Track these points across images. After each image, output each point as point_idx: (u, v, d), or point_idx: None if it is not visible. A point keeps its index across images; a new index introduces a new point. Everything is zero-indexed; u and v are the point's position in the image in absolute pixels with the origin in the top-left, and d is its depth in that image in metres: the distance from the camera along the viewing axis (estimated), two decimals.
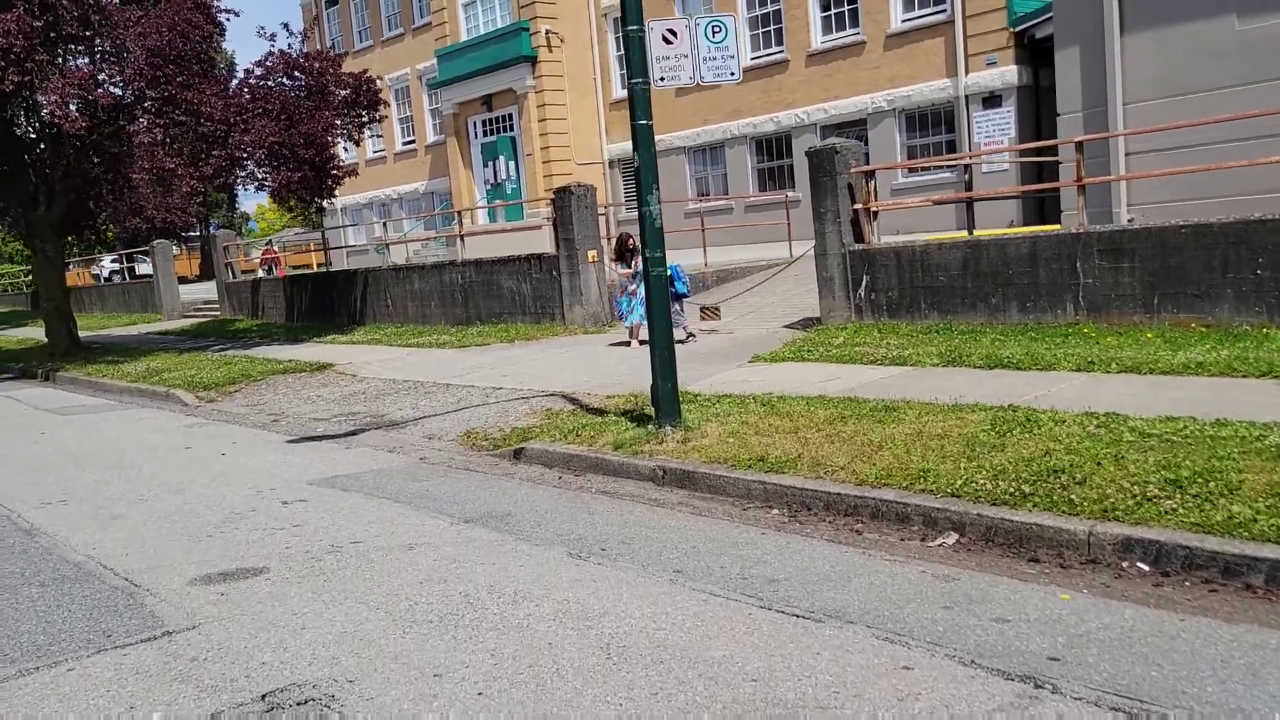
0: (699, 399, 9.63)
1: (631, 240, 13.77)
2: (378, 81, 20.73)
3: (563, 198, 16.68)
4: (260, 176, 18.70)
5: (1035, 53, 22.56)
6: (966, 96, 23.26)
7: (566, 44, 30.33)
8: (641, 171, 8.27)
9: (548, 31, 29.90)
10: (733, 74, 8.59)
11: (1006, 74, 22.53)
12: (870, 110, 25.00)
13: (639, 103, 8.22)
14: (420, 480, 8.36)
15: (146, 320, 31.38)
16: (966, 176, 23.25)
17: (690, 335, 13.67)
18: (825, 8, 25.84)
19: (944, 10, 23.54)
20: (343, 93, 19.76)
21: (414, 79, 37.16)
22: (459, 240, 19.90)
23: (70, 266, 47.60)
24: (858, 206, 12.89)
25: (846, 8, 25.39)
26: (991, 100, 22.92)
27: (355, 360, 16.16)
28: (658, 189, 8.32)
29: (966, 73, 23.25)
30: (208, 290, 33.32)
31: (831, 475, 6.80)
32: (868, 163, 24.56)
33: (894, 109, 24.61)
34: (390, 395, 12.85)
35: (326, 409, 12.46)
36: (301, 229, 54.65)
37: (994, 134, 22.98)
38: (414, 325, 20.51)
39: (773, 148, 27.52)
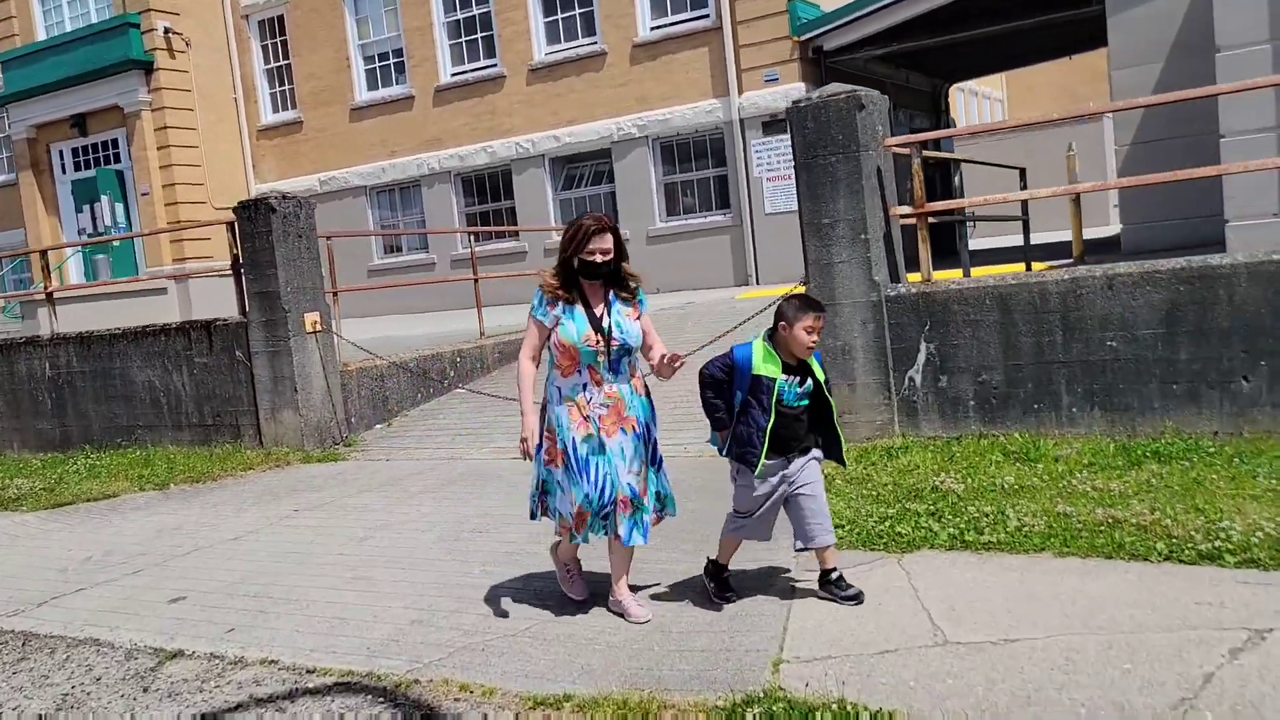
0: None
1: (602, 221, 4.31)
2: None
3: (255, 218, 8.77)
4: None
5: (823, 69, 17.51)
6: (742, 120, 17.69)
7: (196, 50, 21.57)
8: None
9: (168, 31, 21.03)
10: None
11: (793, 93, 17.15)
12: (617, 137, 18.78)
13: None
14: None
15: None
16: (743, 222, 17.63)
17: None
18: (550, 11, 19.43)
19: (707, 14, 17.92)
20: None
21: None
22: (47, 302, 11.03)
23: None
24: (904, 210, 6.40)
25: (579, 10, 19.14)
26: (774, 124, 17.49)
27: None
28: None
29: (740, 91, 17.72)
30: None
31: None
32: (616, 208, 18.46)
33: (647, 135, 18.57)
34: None
35: None
36: None
37: (778, 166, 17.56)
38: None
39: (486, 186, 20.52)
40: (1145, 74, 11.49)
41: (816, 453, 4.31)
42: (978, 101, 39.08)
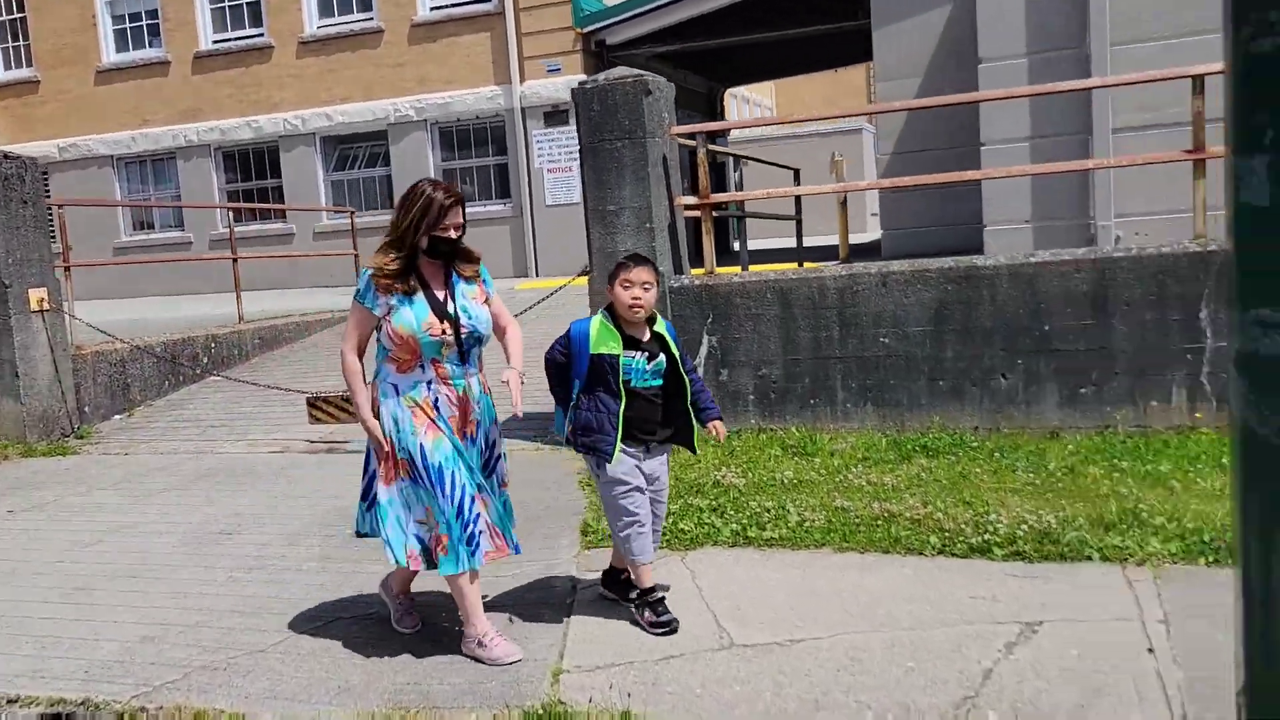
0: None
1: (452, 190, 3.60)
2: None
3: None
4: None
5: (606, 62, 17.41)
6: (524, 109, 17.36)
7: None
8: None
9: None
10: None
11: (575, 84, 16.98)
12: (394, 119, 17.98)
13: None
14: None
15: None
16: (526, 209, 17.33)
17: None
18: None
19: None
20: None
21: None
22: None
23: None
24: (689, 201, 6.27)
25: None
26: (556, 115, 17.27)
27: None
28: None
29: (523, 80, 17.38)
30: None
31: None
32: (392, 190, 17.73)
33: (425, 120, 17.89)
34: None
35: None
36: None
37: (560, 157, 17.35)
38: None
39: (251, 163, 19.17)
40: (908, 86, 12.01)
41: (669, 448, 3.84)
42: (749, 108, 40.47)
